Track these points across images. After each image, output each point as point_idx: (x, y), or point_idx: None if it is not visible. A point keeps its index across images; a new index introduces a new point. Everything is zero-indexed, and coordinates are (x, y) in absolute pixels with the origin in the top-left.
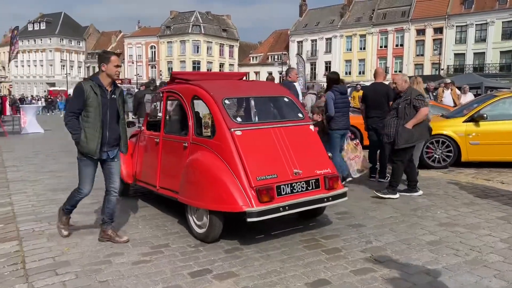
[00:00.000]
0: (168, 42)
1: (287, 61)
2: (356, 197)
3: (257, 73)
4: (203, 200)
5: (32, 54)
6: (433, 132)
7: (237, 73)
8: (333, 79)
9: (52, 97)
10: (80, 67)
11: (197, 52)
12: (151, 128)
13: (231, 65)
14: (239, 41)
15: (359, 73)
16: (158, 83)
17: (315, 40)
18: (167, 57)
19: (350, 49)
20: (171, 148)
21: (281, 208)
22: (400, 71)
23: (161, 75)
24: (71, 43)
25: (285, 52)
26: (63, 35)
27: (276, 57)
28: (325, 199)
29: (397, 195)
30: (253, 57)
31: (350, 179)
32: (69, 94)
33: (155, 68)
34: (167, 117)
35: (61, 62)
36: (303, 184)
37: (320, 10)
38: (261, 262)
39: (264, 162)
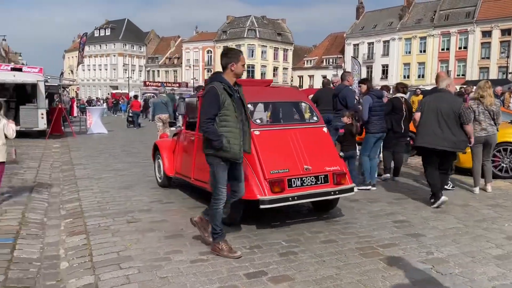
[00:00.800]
0: (224, 46)
1: (342, 65)
2: (416, 206)
3: (311, 76)
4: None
5: (98, 59)
6: (499, 140)
7: (265, 81)
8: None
9: (117, 99)
10: (140, 71)
11: (252, 56)
12: (189, 127)
13: (285, 68)
14: (293, 45)
15: (418, 76)
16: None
17: (372, 43)
18: None
19: (409, 52)
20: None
21: (290, 198)
22: (463, 75)
23: None
24: (133, 48)
25: (340, 56)
26: (126, 40)
27: (331, 60)
28: (332, 193)
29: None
30: (307, 61)
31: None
32: (131, 97)
33: (211, 72)
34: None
35: (123, 66)
36: (312, 178)
37: (378, 12)
38: (316, 267)
39: (278, 158)
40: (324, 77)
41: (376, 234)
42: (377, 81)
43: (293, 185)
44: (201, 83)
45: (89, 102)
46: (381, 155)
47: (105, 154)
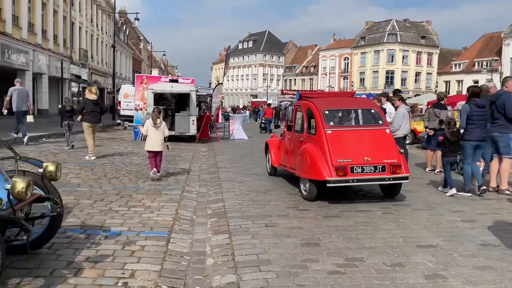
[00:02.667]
0: (361, 52)
1: (499, 68)
2: None
3: (459, 81)
4: (306, 173)
5: (240, 70)
6: None
7: (348, 92)
8: (474, 92)
9: (256, 107)
10: (278, 80)
11: (392, 61)
12: (289, 129)
13: (428, 73)
14: (439, 48)
15: None
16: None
17: None
18: (359, 67)
19: None
20: (295, 142)
21: (350, 180)
22: None
23: (352, 85)
24: (272, 58)
25: (497, 58)
26: (266, 51)
27: (484, 63)
28: (387, 179)
29: None
30: (455, 65)
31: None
32: (269, 104)
33: (347, 79)
34: (296, 122)
35: (263, 76)
36: (371, 168)
37: None
38: None
39: (344, 151)
40: (476, 82)
41: None
42: None
43: (355, 172)
44: (336, 90)
45: (234, 109)
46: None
47: (245, 159)
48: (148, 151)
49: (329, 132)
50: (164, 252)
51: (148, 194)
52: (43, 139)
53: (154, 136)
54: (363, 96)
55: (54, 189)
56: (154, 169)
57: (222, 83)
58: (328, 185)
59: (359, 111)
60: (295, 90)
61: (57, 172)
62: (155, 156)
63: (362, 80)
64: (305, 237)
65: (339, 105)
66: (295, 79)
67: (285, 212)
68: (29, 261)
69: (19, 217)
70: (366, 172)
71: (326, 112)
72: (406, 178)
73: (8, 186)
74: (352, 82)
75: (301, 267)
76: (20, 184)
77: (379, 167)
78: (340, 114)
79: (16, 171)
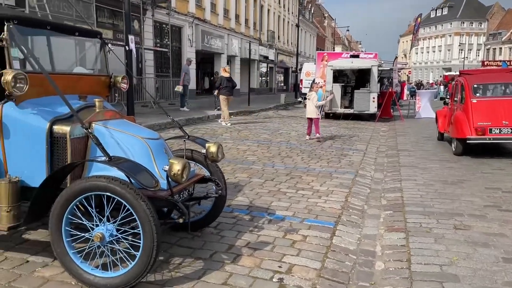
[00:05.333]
0: None
1: None
2: None
3: None
4: (453, 133)
5: (432, 40)
6: None
7: (507, 69)
8: None
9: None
10: (478, 50)
11: None
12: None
13: None
14: None
15: None
16: None
17: None
18: None
19: None
20: (453, 110)
21: (487, 139)
22: None
23: None
24: (471, 25)
25: None
26: (464, 17)
27: None
28: None
29: None
30: None
31: None
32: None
33: None
34: (455, 94)
35: (459, 46)
36: (509, 129)
37: None
38: None
39: (485, 116)
40: None
41: None
42: None
43: (492, 132)
44: None
45: (418, 85)
46: None
47: (432, 141)
48: (308, 118)
49: (474, 101)
50: (327, 246)
51: (318, 176)
52: (232, 116)
53: (308, 106)
54: None
55: (217, 169)
56: (312, 134)
57: (397, 56)
58: (468, 141)
59: (507, 84)
60: (499, 61)
61: (218, 153)
62: (311, 122)
63: None
64: (511, 250)
65: (491, 80)
66: (500, 48)
67: (482, 212)
68: (194, 240)
69: (176, 199)
70: (503, 133)
71: (475, 85)
72: None
73: (166, 168)
74: None
75: None
76: (176, 166)
77: None
78: (490, 87)
79: (184, 150)
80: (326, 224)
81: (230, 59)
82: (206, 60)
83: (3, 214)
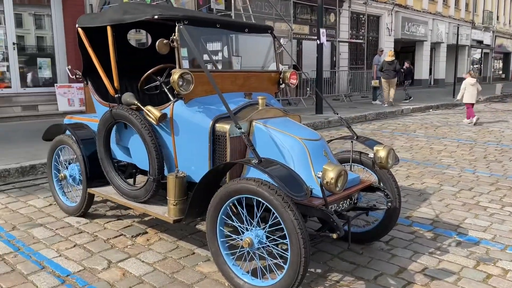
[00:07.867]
0: None
1: None
2: None
3: None
4: None
5: None
6: None
7: None
8: None
9: None
10: None
11: None
12: None
13: None
14: None
15: None
16: None
17: None
18: None
19: None
20: None
21: None
22: None
23: None
24: None
25: None
26: None
27: None
28: None
29: None
30: None
31: None
32: None
33: None
34: None
35: None
36: None
37: None
38: None
39: None
40: None
41: None
42: None
43: None
44: None
45: None
46: None
47: None
48: (466, 103)
49: None
50: None
51: None
52: (430, 110)
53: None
54: None
55: (389, 177)
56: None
57: None
58: None
59: None
60: None
61: (388, 159)
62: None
63: None
64: None
65: None
66: None
67: None
68: (361, 256)
69: (330, 210)
70: None
71: None
72: None
73: (320, 174)
74: None
75: None
76: (330, 174)
77: None
78: None
79: (351, 152)
80: None
81: (435, 46)
82: (405, 49)
83: (171, 207)
